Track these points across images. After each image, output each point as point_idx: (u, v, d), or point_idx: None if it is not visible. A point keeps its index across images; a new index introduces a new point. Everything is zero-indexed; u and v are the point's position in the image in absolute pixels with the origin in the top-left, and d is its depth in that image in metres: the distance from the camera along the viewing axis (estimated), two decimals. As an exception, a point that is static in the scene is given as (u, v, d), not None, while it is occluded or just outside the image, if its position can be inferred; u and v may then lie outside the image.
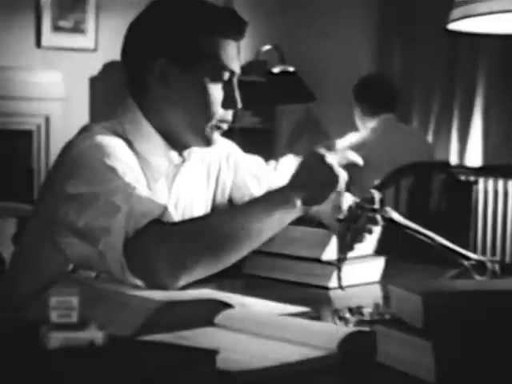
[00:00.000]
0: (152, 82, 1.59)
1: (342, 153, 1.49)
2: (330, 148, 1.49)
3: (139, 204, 1.40)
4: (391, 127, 3.87)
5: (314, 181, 1.46)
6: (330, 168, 1.45)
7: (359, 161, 1.52)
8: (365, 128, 3.93)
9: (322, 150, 1.46)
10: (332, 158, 1.46)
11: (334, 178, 1.45)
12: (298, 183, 1.47)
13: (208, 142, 1.63)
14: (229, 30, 1.60)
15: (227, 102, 1.61)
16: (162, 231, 1.40)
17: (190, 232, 1.42)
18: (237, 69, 1.62)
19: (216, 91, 1.59)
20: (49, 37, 4.66)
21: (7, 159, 4.44)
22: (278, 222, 1.45)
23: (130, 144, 1.58)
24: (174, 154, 1.64)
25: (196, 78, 1.58)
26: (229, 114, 1.63)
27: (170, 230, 1.41)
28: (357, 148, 3.77)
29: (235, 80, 1.63)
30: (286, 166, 1.94)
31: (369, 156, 3.68)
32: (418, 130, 4.13)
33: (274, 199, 1.46)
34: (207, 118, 1.60)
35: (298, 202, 1.45)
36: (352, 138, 3.88)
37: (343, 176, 1.46)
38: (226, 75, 1.60)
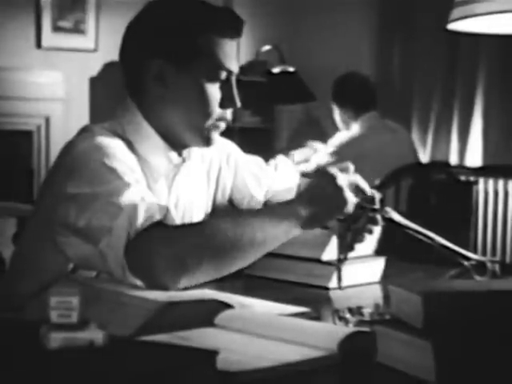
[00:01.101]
0: (150, 82, 1.59)
1: (353, 177, 1.49)
2: (344, 170, 1.49)
3: (141, 205, 1.40)
4: (377, 124, 3.86)
5: (322, 200, 1.46)
6: (340, 190, 1.45)
7: (368, 190, 1.51)
8: (349, 129, 3.93)
9: (335, 171, 1.47)
10: (343, 181, 1.46)
11: (343, 200, 1.45)
12: (306, 199, 1.46)
13: (207, 142, 1.63)
14: (225, 28, 1.59)
15: (225, 101, 1.61)
16: (164, 233, 1.40)
17: (193, 235, 1.42)
18: (234, 68, 1.62)
19: (214, 90, 1.59)
20: (49, 37, 4.66)
21: (7, 160, 4.44)
22: (283, 233, 1.45)
23: (130, 144, 1.58)
24: (173, 154, 1.64)
25: (193, 78, 1.58)
26: (227, 113, 1.63)
27: (173, 232, 1.41)
28: (348, 145, 3.78)
29: (233, 79, 1.62)
30: (286, 167, 1.94)
31: (361, 152, 3.69)
32: (400, 126, 4.13)
33: (281, 211, 1.46)
34: (205, 118, 1.59)
35: (304, 217, 1.45)
36: (341, 136, 3.88)
37: (352, 201, 1.46)
38: (224, 74, 1.60)
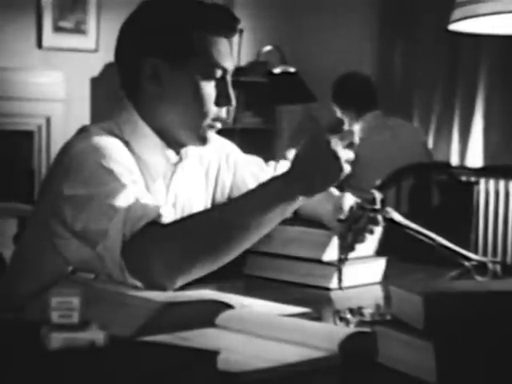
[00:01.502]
0: (145, 82, 1.59)
1: (349, 135, 1.41)
2: (336, 129, 1.41)
3: (136, 206, 1.40)
4: (379, 124, 3.79)
5: (315, 169, 1.39)
6: (334, 156, 1.37)
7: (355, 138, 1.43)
8: None
9: (327, 136, 1.38)
10: (336, 144, 1.38)
11: (338, 167, 1.38)
12: (298, 171, 1.40)
13: (203, 141, 1.62)
14: (220, 27, 1.59)
15: (221, 100, 1.60)
16: (159, 232, 1.39)
17: (187, 231, 1.41)
18: (229, 66, 1.61)
19: (209, 89, 1.59)
20: (50, 37, 4.66)
21: (8, 160, 4.44)
22: (277, 214, 1.40)
23: (127, 144, 1.58)
24: (171, 153, 1.64)
25: (188, 77, 1.57)
26: (222, 112, 1.62)
27: (167, 231, 1.40)
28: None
29: (228, 77, 1.62)
30: (285, 168, 1.94)
31: (361, 156, 3.66)
32: (407, 123, 4.10)
33: (272, 192, 1.40)
34: (201, 116, 1.59)
35: (298, 192, 1.39)
36: None
37: (349, 156, 1.39)
38: (219, 73, 1.59)
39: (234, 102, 1.61)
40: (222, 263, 1.43)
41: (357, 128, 3.82)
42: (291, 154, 1.93)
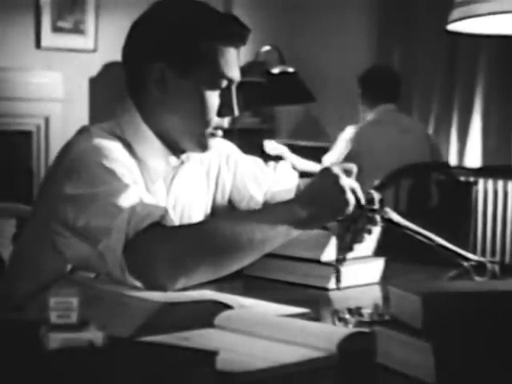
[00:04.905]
0: (150, 85, 1.59)
1: (354, 183, 1.46)
2: (348, 172, 1.47)
3: (140, 206, 1.40)
4: (388, 118, 3.81)
5: (323, 200, 1.44)
6: (342, 191, 1.43)
7: (363, 200, 1.49)
8: (366, 116, 3.91)
9: (338, 171, 1.45)
10: (346, 181, 1.44)
11: (345, 202, 1.43)
12: (307, 199, 1.46)
13: (203, 148, 1.62)
14: (230, 37, 1.58)
15: (224, 110, 1.60)
16: (163, 233, 1.40)
17: (192, 236, 1.42)
18: (236, 76, 1.61)
19: (213, 98, 1.58)
20: (48, 37, 4.66)
21: (7, 160, 4.44)
22: (282, 234, 1.44)
23: (128, 145, 1.58)
24: (171, 157, 1.64)
25: (193, 85, 1.57)
26: (224, 121, 1.62)
27: (171, 233, 1.41)
28: (349, 141, 3.77)
29: (233, 87, 1.62)
30: (285, 168, 1.94)
31: (360, 149, 3.67)
32: (419, 123, 4.10)
33: (280, 212, 1.45)
34: (203, 125, 1.59)
35: (304, 217, 1.44)
36: (349, 131, 3.85)
37: (352, 202, 1.44)
38: (224, 83, 1.59)
39: (237, 112, 1.61)
40: (224, 273, 1.44)
41: (368, 117, 3.84)
42: (268, 144, 1.95)
